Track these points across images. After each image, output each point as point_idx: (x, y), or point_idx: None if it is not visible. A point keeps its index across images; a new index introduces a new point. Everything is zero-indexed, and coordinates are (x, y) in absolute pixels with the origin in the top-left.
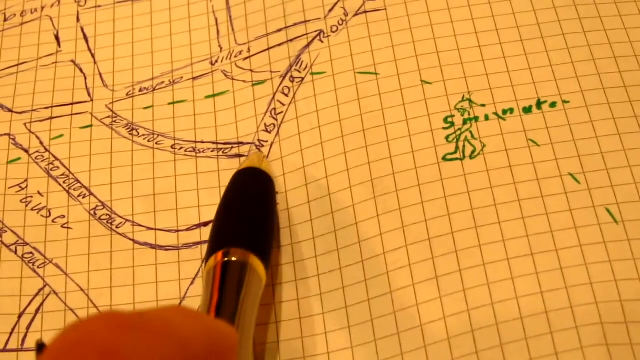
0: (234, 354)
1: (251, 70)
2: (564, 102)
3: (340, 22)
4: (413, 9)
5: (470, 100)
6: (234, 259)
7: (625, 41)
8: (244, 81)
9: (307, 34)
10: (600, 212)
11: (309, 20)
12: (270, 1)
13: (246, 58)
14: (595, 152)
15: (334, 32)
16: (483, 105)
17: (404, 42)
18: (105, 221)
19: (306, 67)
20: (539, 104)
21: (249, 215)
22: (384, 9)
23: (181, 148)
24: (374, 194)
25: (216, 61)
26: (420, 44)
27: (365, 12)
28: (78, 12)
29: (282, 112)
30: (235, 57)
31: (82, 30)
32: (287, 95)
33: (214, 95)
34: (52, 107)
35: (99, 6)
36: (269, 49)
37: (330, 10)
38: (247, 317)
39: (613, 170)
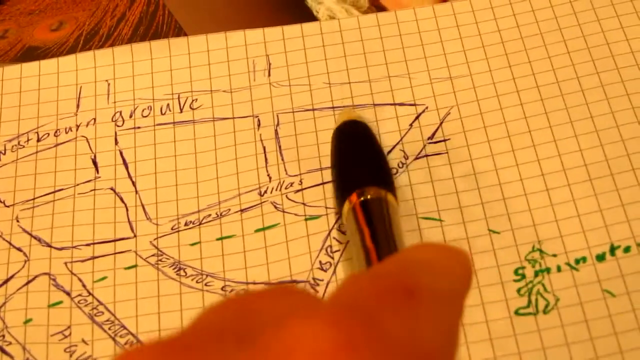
0: None
1: (304, 204)
2: (639, 244)
3: (400, 165)
4: (476, 153)
5: (540, 250)
6: (369, 196)
7: None
8: (295, 214)
9: None
10: None
11: None
12: (323, 137)
13: (298, 191)
14: None
15: (394, 174)
16: (554, 255)
17: (468, 188)
18: None
19: None
20: (613, 250)
21: (363, 158)
22: (446, 152)
23: (232, 290)
24: None
25: (265, 192)
26: (485, 190)
27: (427, 155)
28: (116, 132)
29: (338, 250)
30: (286, 188)
31: (121, 154)
32: (344, 233)
33: (264, 229)
34: (93, 244)
35: (138, 127)
36: (323, 183)
37: (389, 152)
38: (403, 246)
39: None
